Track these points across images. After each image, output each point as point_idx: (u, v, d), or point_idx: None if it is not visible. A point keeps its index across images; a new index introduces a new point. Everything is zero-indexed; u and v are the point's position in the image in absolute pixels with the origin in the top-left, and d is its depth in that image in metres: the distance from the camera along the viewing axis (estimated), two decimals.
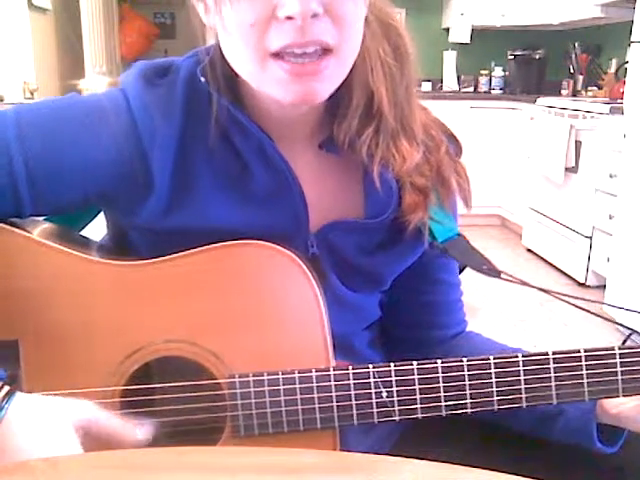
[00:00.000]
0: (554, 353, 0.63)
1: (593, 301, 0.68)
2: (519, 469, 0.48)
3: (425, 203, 0.68)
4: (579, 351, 0.63)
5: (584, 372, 0.63)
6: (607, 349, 0.63)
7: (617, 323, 0.65)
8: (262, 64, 0.58)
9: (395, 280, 0.76)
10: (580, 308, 0.69)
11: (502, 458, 0.57)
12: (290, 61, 0.57)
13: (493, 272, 0.69)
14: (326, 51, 0.58)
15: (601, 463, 0.72)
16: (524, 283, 0.70)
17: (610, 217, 2.85)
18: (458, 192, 0.72)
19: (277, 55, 0.57)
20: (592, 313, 0.72)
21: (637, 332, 0.70)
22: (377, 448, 0.77)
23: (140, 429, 0.60)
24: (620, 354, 0.63)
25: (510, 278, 0.69)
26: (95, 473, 0.47)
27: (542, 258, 3.64)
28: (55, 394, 0.57)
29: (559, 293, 0.69)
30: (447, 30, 4.72)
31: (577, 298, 0.69)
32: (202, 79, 0.65)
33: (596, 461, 0.72)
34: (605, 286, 2.80)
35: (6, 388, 0.55)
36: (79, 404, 0.58)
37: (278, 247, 0.64)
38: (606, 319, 0.78)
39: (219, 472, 0.48)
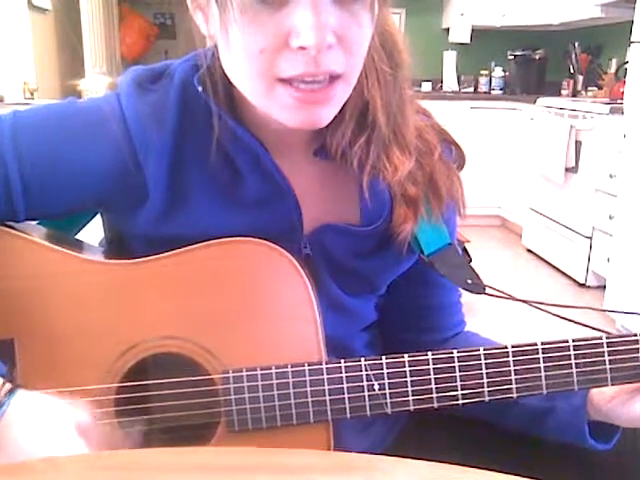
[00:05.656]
0: (543, 343, 0.64)
1: (579, 307, 0.68)
2: (516, 469, 0.48)
3: (415, 215, 0.68)
4: (567, 341, 0.64)
5: (572, 361, 0.63)
6: (595, 338, 0.64)
7: (601, 331, 0.65)
8: (269, 88, 0.57)
9: (392, 284, 0.76)
10: (564, 319, 0.71)
11: (499, 458, 0.57)
12: (299, 88, 0.56)
13: (477, 287, 0.70)
14: (335, 77, 0.57)
15: (599, 463, 0.72)
16: (510, 297, 0.71)
17: (610, 217, 2.85)
18: (451, 200, 0.71)
19: (285, 80, 0.56)
20: (578, 323, 0.72)
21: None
22: (375, 448, 0.77)
23: (129, 437, 0.61)
24: (607, 343, 0.63)
25: (496, 293, 0.69)
26: (95, 474, 0.48)
27: (542, 258, 3.64)
28: (53, 392, 0.58)
29: (543, 303, 0.70)
30: (447, 30, 4.72)
31: (562, 306, 0.70)
32: (200, 88, 0.64)
33: (594, 461, 0.72)
34: (605, 286, 2.80)
35: (8, 385, 0.55)
36: (79, 405, 0.58)
37: (270, 243, 0.64)
38: (591, 328, 0.77)
39: (218, 472, 0.48)
